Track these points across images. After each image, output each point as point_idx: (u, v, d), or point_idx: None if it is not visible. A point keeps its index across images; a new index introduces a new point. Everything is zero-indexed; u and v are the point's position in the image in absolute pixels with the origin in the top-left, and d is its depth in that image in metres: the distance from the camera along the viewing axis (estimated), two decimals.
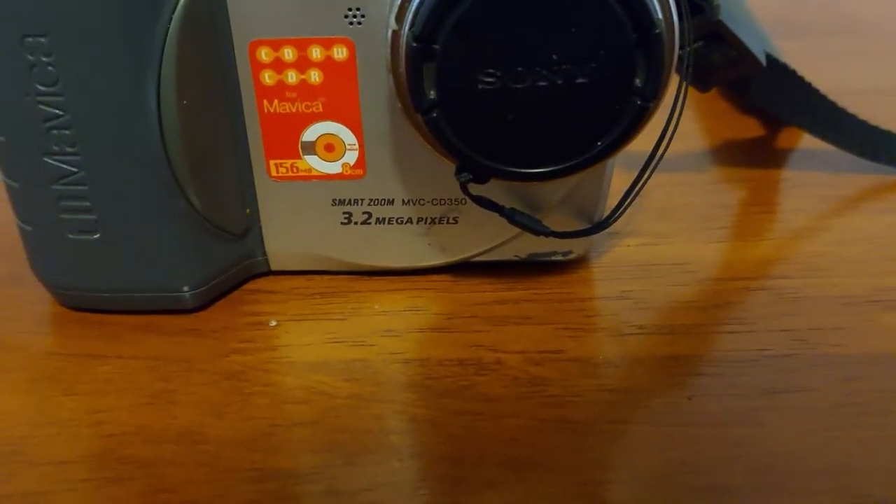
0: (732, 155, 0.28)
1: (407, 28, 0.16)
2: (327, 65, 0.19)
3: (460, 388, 0.18)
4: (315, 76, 0.19)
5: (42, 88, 0.17)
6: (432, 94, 0.17)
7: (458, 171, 0.18)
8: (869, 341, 0.19)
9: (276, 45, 0.18)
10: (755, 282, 0.21)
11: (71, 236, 0.19)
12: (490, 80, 0.16)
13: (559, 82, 0.16)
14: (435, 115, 0.17)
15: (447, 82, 0.17)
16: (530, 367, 0.19)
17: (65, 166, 0.18)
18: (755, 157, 0.27)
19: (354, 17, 0.18)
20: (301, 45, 0.18)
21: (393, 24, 0.17)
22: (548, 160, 0.17)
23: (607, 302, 0.21)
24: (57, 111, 0.18)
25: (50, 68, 0.17)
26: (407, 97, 0.17)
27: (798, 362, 0.19)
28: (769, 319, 0.20)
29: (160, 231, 0.19)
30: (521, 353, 0.19)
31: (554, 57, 0.16)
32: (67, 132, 0.18)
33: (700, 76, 0.22)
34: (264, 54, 0.19)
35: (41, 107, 0.17)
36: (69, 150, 0.18)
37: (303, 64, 0.19)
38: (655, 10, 0.16)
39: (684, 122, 0.18)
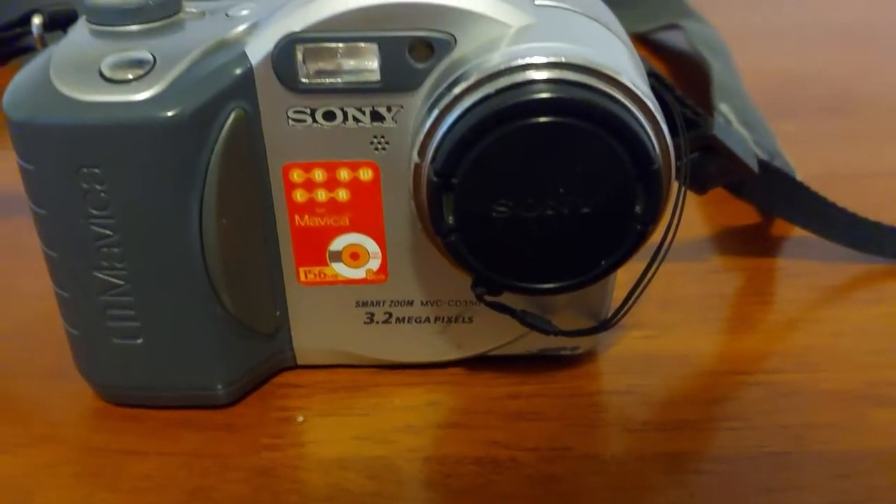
0: (730, 242, 0.29)
1: (428, 162, 0.18)
2: (354, 184, 0.20)
3: (478, 486, 0.20)
4: (343, 194, 0.20)
5: (94, 212, 0.19)
6: (451, 220, 0.18)
7: (474, 285, 0.19)
8: (860, 437, 0.21)
9: (307, 168, 0.20)
10: (752, 376, 0.23)
11: (116, 341, 0.21)
12: (503, 209, 0.18)
13: (566, 211, 0.18)
14: (453, 238, 0.18)
15: (464, 210, 0.18)
16: (543, 465, 0.20)
17: (112, 280, 0.20)
18: (751, 245, 0.29)
19: (380, 143, 0.20)
20: (330, 168, 0.20)
21: (415, 158, 0.18)
22: (556, 277, 0.19)
23: (614, 397, 0.22)
24: (107, 231, 0.19)
25: (102, 195, 0.19)
26: (427, 221, 0.19)
27: (794, 459, 0.20)
28: (766, 415, 0.21)
29: (198, 335, 0.21)
30: (534, 450, 0.20)
31: (561, 190, 0.18)
32: (116, 250, 0.19)
33: (697, 182, 0.23)
34: (296, 175, 0.20)
35: (93, 228, 0.19)
36: (117, 265, 0.20)
37: (331, 184, 0.20)
38: (653, 148, 0.18)
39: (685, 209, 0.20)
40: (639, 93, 0.18)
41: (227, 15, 0.21)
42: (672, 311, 0.25)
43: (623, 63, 0.18)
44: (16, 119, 0.18)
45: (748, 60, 0.39)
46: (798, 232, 0.29)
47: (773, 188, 0.25)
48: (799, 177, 0.27)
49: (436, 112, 0.18)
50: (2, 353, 0.24)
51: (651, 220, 0.18)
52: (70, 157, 0.18)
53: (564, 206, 0.18)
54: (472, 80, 0.18)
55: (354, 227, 0.21)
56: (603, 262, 0.19)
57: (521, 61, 0.17)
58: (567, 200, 0.18)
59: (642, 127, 0.18)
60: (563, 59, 0.17)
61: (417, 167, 0.18)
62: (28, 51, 0.23)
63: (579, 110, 0.17)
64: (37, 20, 0.21)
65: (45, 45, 0.21)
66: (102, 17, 0.20)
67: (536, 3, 0.20)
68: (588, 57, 0.17)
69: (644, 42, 0.43)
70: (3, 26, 0.22)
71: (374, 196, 0.21)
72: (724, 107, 0.31)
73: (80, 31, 0.20)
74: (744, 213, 0.30)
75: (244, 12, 0.21)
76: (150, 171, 0.19)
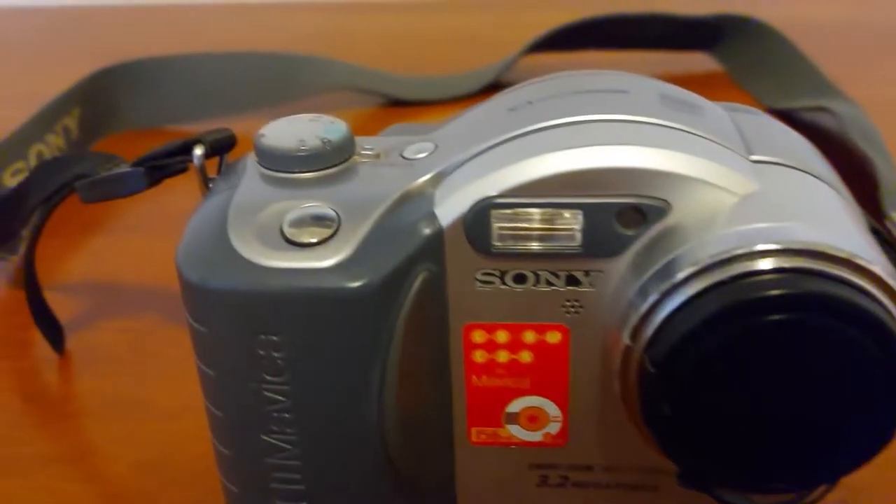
0: None
1: (642, 348, 0.16)
2: (539, 347, 0.19)
3: None
4: (526, 356, 0.19)
5: (268, 378, 0.18)
6: (666, 411, 0.17)
7: (682, 478, 0.18)
8: None
9: (490, 329, 0.19)
10: None
11: (278, 503, 0.19)
12: (729, 405, 0.16)
13: (802, 411, 0.16)
14: (667, 430, 0.17)
15: (684, 404, 0.16)
16: None
17: (281, 444, 0.18)
18: None
19: (572, 306, 0.18)
20: (515, 329, 0.19)
21: (626, 340, 0.17)
22: (781, 479, 0.17)
23: None
24: (279, 397, 0.18)
25: (279, 361, 0.17)
26: (636, 407, 0.17)
27: None
28: None
29: (366, 499, 0.19)
30: None
31: (799, 388, 0.16)
32: (287, 415, 0.18)
33: None
34: (478, 336, 0.19)
35: (265, 393, 0.18)
36: (287, 430, 0.18)
37: (515, 345, 0.19)
38: None
39: None
40: (892, 284, 0.16)
41: (402, 157, 0.19)
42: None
43: (864, 241, 0.16)
44: (192, 280, 0.17)
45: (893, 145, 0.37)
46: None
47: None
48: None
49: (654, 296, 0.16)
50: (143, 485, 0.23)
51: None
52: (248, 323, 0.17)
53: (801, 406, 0.16)
54: (698, 265, 0.16)
55: (535, 390, 0.19)
56: (839, 465, 0.17)
57: (756, 247, 0.15)
58: (805, 399, 0.16)
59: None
60: (806, 246, 0.15)
61: (628, 350, 0.17)
62: (180, 173, 0.22)
63: (828, 307, 0.15)
64: (199, 151, 0.20)
65: (204, 177, 0.20)
66: (277, 163, 0.19)
67: (752, 158, 0.18)
68: (832, 242, 0.16)
69: (789, 120, 0.40)
70: (165, 153, 0.21)
71: (560, 359, 0.19)
72: None
73: (253, 178, 0.19)
74: None
75: (422, 155, 0.19)
76: (332, 340, 0.17)
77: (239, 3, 0.61)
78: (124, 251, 0.33)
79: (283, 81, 0.43)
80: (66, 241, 0.33)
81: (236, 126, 0.48)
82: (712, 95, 0.21)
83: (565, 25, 0.45)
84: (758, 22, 0.46)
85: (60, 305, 0.29)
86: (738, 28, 0.47)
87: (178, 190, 0.23)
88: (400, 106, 0.44)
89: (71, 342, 0.28)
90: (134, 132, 0.42)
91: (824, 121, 0.40)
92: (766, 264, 0.15)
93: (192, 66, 0.42)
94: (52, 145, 0.37)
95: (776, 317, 0.15)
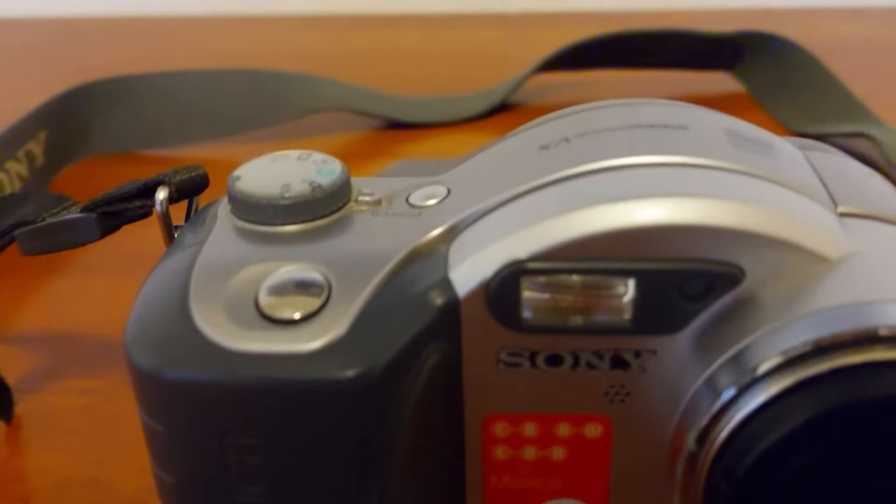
0: None
1: (713, 457, 0.13)
2: (575, 442, 0.15)
3: None
4: (558, 453, 0.15)
5: (242, 488, 0.14)
6: None
7: None
8: None
9: (515, 421, 0.15)
10: None
11: None
12: None
13: None
14: None
15: None
16: None
17: None
18: None
19: (617, 394, 0.15)
20: (547, 421, 0.15)
21: (691, 445, 0.13)
22: None
23: None
24: None
25: (254, 468, 0.14)
26: None
27: None
28: None
29: None
30: None
31: None
32: None
33: None
34: (500, 429, 0.15)
35: None
36: None
37: (545, 440, 0.15)
38: None
39: None
40: None
41: (409, 204, 0.16)
42: None
43: None
44: (144, 368, 0.14)
45: None
46: None
47: None
48: None
49: (729, 391, 0.13)
50: None
51: None
52: (214, 422, 0.14)
53: None
54: (787, 354, 0.12)
55: (568, 492, 0.16)
56: None
57: (868, 331, 0.12)
58: None
59: None
60: None
61: (692, 456, 0.13)
62: (143, 217, 0.19)
63: None
64: (161, 195, 0.17)
65: (168, 227, 0.17)
66: (255, 214, 0.15)
67: (840, 209, 0.15)
68: None
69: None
70: (120, 196, 0.18)
71: (600, 456, 0.15)
72: None
73: (224, 232, 0.15)
74: None
75: (432, 202, 0.16)
76: (322, 443, 0.14)
77: (229, 14, 0.58)
78: (85, 295, 0.29)
79: (273, 101, 0.40)
80: (18, 283, 0.30)
81: (221, 150, 0.44)
82: (738, 117, 0.18)
83: (578, 42, 0.42)
84: (782, 39, 0.43)
85: (10, 361, 0.25)
86: (760, 46, 0.43)
87: (150, 221, 0.19)
88: (399, 128, 0.40)
89: (21, 408, 0.24)
90: (107, 156, 0.39)
91: (863, 148, 0.36)
92: (880, 354, 0.12)
93: (172, 84, 0.38)
94: (12, 173, 0.34)
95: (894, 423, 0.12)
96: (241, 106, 0.39)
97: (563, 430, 0.15)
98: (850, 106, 0.39)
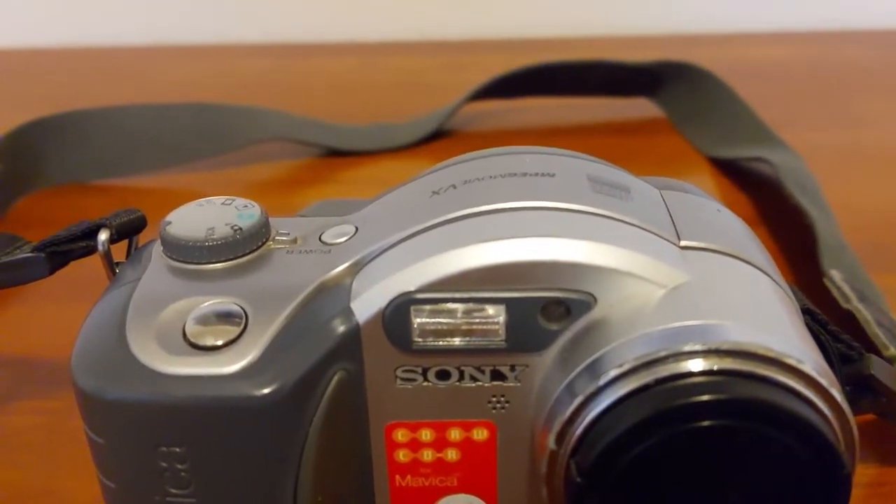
0: None
1: (568, 453, 0.15)
2: (466, 444, 0.18)
3: None
4: (452, 454, 0.18)
5: (173, 491, 0.16)
6: None
7: None
8: None
9: (413, 427, 0.17)
10: None
11: None
12: None
13: None
14: None
15: None
16: None
17: None
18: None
19: (499, 402, 0.17)
20: (440, 427, 0.17)
21: (552, 444, 0.16)
22: None
23: None
24: None
25: (183, 474, 0.16)
26: None
27: None
28: None
29: None
30: None
31: (730, 496, 0.15)
32: None
33: None
34: (400, 435, 0.18)
35: None
36: None
37: (440, 444, 0.18)
38: (843, 450, 0.15)
39: None
40: (824, 383, 0.15)
41: (321, 241, 0.18)
42: None
43: (795, 336, 0.16)
44: (85, 388, 0.16)
45: (836, 194, 0.37)
46: None
47: None
48: None
49: (579, 398, 0.15)
50: None
51: None
52: (148, 435, 0.16)
53: None
54: (623, 368, 0.15)
55: (463, 488, 0.18)
56: None
57: (683, 347, 0.15)
58: None
59: (830, 426, 0.15)
60: (734, 346, 0.15)
61: (553, 454, 0.16)
62: (88, 254, 0.21)
63: (760, 413, 0.14)
64: (103, 236, 0.19)
65: (110, 264, 0.19)
66: (183, 254, 0.17)
67: (682, 243, 0.17)
68: (761, 341, 0.15)
69: (728, 169, 0.40)
70: (66, 238, 0.20)
71: (488, 456, 0.18)
72: (835, 274, 0.28)
73: (158, 269, 0.18)
74: None
75: (341, 239, 0.18)
76: (241, 451, 0.16)
77: (173, 45, 0.60)
78: (39, 321, 0.31)
79: (217, 132, 0.42)
80: None
81: (167, 180, 0.46)
82: (654, 142, 0.20)
83: (507, 73, 0.45)
84: (697, 68, 0.46)
85: None
86: (677, 74, 0.47)
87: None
88: (337, 156, 0.43)
89: None
90: (59, 187, 0.40)
91: (762, 170, 0.40)
92: (693, 366, 0.15)
93: (119, 118, 0.40)
94: None
95: (704, 423, 0.14)
96: (186, 138, 0.41)
97: (455, 434, 0.18)
98: (757, 130, 0.43)
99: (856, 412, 0.20)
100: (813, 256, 0.31)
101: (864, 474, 0.25)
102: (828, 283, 0.29)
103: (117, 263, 0.19)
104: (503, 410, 0.17)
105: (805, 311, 0.18)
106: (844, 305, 0.27)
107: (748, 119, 0.43)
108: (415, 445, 0.18)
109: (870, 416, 0.25)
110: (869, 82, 0.52)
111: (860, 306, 0.27)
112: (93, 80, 0.55)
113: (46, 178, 0.40)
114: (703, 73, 0.46)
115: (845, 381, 0.19)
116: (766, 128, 0.42)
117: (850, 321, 0.27)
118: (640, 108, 0.48)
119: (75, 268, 0.25)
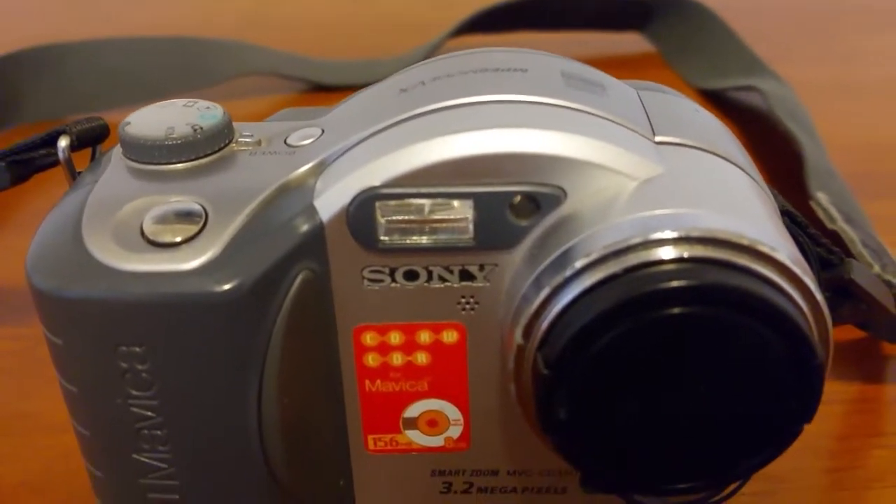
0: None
1: (536, 347, 0.15)
2: (436, 347, 0.17)
3: None
4: (422, 358, 0.17)
5: (135, 393, 0.16)
6: (563, 415, 0.15)
7: (585, 483, 0.16)
8: None
9: (382, 330, 0.17)
10: None
11: None
12: (627, 405, 0.15)
13: (704, 410, 0.15)
14: (565, 435, 0.15)
15: (580, 406, 0.15)
16: None
17: (155, 463, 0.17)
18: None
19: (468, 303, 0.17)
20: (409, 330, 0.17)
21: (518, 339, 0.15)
22: (684, 479, 0.16)
23: None
24: (149, 413, 0.16)
25: (144, 375, 0.16)
26: (533, 412, 0.16)
27: None
28: None
29: None
30: None
31: (700, 386, 0.15)
32: (159, 432, 0.16)
33: None
34: (369, 339, 0.17)
35: (133, 409, 0.16)
36: (160, 448, 0.17)
37: (410, 347, 0.17)
38: (815, 339, 0.15)
39: None
40: (797, 271, 0.14)
41: (286, 143, 0.18)
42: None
43: (771, 227, 0.15)
44: (42, 289, 0.16)
45: (826, 126, 0.36)
46: None
47: None
48: None
49: (546, 290, 0.15)
50: None
51: (808, 418, 0.15)
52: (106, 334, 0.16)
53: (703, 404, 0.15)
54: (591, 257, 0.14)
55: (434, 393, 0.18)
56: (748, 462, 0.15)
57: (653, 235, 0.14)
58: (707, 397, 0.15)
59: (803, 315, 0.15)
60: (706, 233, 0.14)
61: (521, 349, 0.15)
62: (51, 166, 0.20)
63: (731, 300, 0.14)
64: (63, 143, 0.18)
65: (71, 171, 0.18)
66: (142, 154, 0.17)
67: (657, 139, 0.17)
68: (734, 229, 0.14)
69: (718, 100, 0.40)
70: (25, 146, 0.19)
71: (458, 359, 0.17)
72: (822, 196, 0.28)
73: (116, 170, 0.17)
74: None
75: (306, 142, 0.18)
76: (202, 350, 0.16)
77: None
78: (6, 250, 0.31)
79: (198, 67, 0.41)
80: None
81: None
82: (644, 76, 0.20)
83: (493, 6, 0.44)
84: (687, 1, 0.45)
85: None
86: (669, 7, 0.46)
87: (63, 181, 0.21)
88: (322, 91, 0.42)
89: None
90: (37, 124, 0.39)
91: (752, 100, 0.39)
92: (663, 254, 0.14)
93: (97, 52, 0.40)
94: None
95: (674, 310, 0.14)
96: (166, 72, 0.40)
97: (425, 337, 0.17)
98: (749, 62, 0.42)
99: (835, 321, 0.20)
100: (801, 182, 0.31)
101: (846, 391, 0.25)
102: (814, 205, 0.28)
103: (79, 172, 0.19)
104: (472, 312, 0.17)
105: (784, 213, 0.18)
106: (830, 226, 0.27)
107: (740, 52, 0.43)
108: (384, 349, 0.17)
109: (854, 335, 0.25)
110: (862, 17, 0.52)
111: (846, 227, 0.27)
112: (70, 14, 0.54)
113: (23, 114, 0.39)
114: (695, 5, 0.45)
115: (824, 287, 0.19)
116: (758, 60, 0.41)
117: (836, 242, 0.27)
118: (631, 43, 0.47)
119: (47, 198, 0.25)
